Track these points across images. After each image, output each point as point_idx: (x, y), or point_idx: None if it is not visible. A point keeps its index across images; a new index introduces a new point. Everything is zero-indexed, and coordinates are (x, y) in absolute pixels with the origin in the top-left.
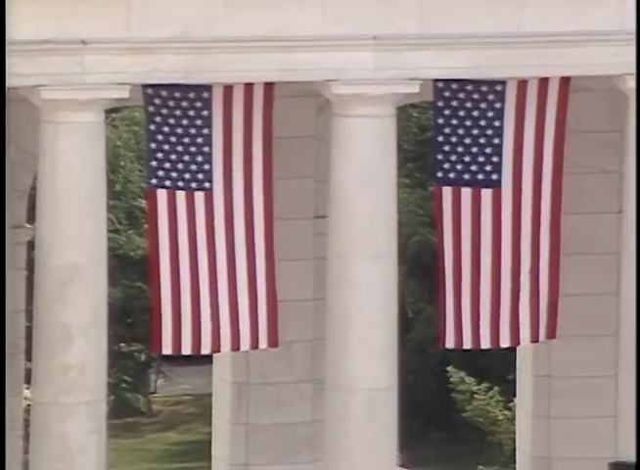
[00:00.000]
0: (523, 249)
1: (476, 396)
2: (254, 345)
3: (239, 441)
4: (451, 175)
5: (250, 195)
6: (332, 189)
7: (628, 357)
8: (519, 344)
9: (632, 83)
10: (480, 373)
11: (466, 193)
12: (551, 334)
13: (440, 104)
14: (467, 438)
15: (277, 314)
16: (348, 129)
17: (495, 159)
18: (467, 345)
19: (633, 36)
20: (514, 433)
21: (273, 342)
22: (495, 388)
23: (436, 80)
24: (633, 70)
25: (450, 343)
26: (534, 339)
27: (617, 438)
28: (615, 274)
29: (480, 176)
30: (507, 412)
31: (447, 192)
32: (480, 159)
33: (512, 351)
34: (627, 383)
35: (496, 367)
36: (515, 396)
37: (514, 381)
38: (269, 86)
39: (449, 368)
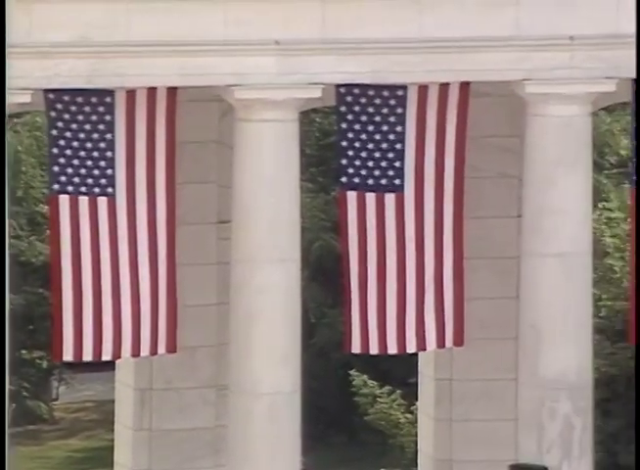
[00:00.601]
0: (426, 253)
1: (378, 399)
2: (154, 350)
3: (141, 447)
4: (355, 180)
5: (152, 200)
6: (235, 194)
7: (527, 361)
8: (425, 349)
9: (531, 89)
10: (382, 377)
11: (370, 198)
12: (458, 340)
13: (343, 109)
14: (369, 441)
15: (176, 320)
16: (251, 134)
17: (398, 163)
18: (373, 350)
19: (531, 42)
20: (416, 436)
21: (172, 347)
22: (397, 391)
23: (339, 85)
24: (531, 75)
25: (356, 348)
26: (441, 344)
27: (516, 440)
28: (514, 278)
29: (384, 181)
30: (409, 415)
31: (352, 197)
32: (383, 163)
33: (414, 354)
34: (526, 386)
35: (398, 371)
36: (417, 399)
37: (416, 384)
38: (172, 91)
39: (352, 372)
